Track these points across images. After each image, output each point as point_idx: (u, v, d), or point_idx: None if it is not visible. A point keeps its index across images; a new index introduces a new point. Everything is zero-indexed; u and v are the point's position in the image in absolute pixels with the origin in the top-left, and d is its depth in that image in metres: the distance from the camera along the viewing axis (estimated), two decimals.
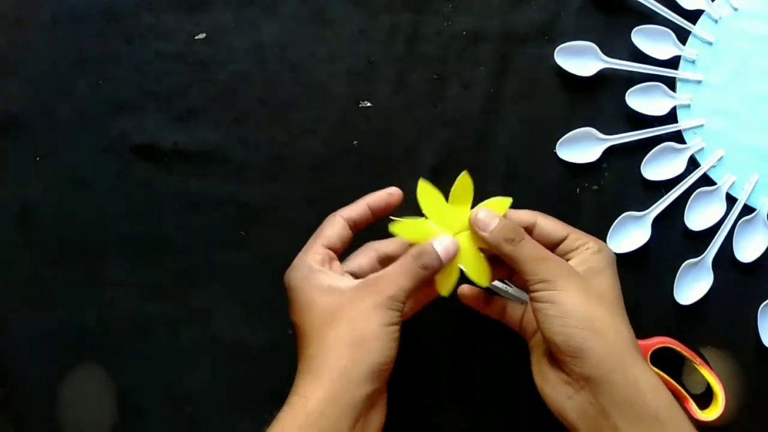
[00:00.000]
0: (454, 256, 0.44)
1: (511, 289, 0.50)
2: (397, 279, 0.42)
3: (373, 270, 0.45)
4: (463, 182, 0.45)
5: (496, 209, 0.45)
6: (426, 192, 0.44)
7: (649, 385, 0.40)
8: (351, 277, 0.44)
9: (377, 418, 0.42)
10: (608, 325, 0.41)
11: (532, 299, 0.42)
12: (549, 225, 0.45)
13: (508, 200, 0.45)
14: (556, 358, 0.42)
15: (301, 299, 0.43)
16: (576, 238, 0.45)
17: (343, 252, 0.46)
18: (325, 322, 0.41)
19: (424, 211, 0.44)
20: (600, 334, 0.40)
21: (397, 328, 0.41)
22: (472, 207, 0.45)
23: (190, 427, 0.53)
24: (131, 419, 0.53)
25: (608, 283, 0.43)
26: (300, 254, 0.45)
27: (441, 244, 0.43)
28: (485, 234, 0.43)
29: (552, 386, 0.42)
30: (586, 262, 0.44)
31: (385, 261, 0.45)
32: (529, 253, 0.42)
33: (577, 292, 0.41)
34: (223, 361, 0.54)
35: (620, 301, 0.44)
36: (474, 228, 0.44)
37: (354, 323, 0.41)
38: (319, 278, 0.43)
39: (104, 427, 0.53)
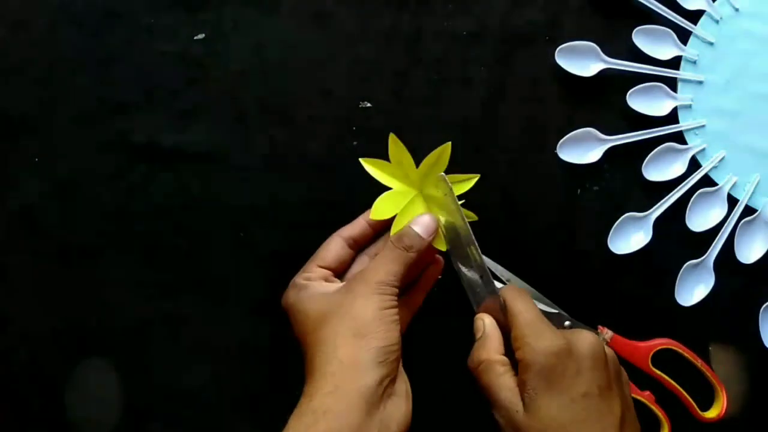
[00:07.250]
0: (434, 231, 0.45)
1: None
2: (383, 265, 0.42)
3: (344, 255, 0.45)
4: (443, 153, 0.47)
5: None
6: (398, 147, 0.47)
7: None
8: (338, 282, 0.45)
9: (398, 409, 0.41)
10: None
11: None
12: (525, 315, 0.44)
13: (446, 146, 0.47)
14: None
15: (295, 314, 0.43)
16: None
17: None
18: (320, 325, 0.41)
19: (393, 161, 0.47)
20: None
21: (394, 311, 0.41)
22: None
23: (191, 428, 0.53)
24: (133, 420, 0.53)
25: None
26: (294, 276, 0.45)
27: (419, 223, 0.44)
28: None
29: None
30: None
31: (353, 245, 0.46)
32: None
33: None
34: (224, 362, 0.54)
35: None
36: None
37: (349, 315, 0.41)
38: (309, 290, 0.43)
39: (106, 427, 0.53)
